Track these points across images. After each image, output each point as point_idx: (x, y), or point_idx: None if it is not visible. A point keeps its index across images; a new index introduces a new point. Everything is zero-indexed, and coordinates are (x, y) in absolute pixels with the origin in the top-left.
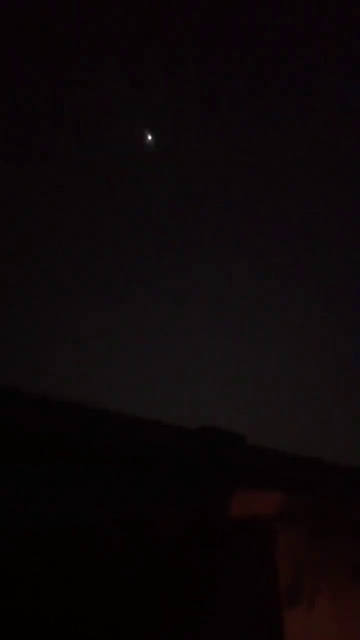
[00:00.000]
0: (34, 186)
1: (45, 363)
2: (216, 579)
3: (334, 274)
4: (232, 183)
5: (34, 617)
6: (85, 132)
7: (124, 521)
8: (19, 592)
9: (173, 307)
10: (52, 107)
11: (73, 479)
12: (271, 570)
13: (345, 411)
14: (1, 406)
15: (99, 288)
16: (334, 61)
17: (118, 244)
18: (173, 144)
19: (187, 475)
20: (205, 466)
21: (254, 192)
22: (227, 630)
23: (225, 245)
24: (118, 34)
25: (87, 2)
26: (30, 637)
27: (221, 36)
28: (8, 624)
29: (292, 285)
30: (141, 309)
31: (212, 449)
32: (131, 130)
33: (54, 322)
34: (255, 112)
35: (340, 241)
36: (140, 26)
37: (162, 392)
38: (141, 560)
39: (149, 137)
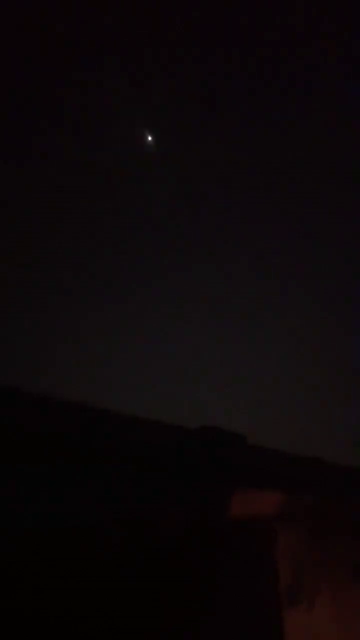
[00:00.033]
0: (34, 186)
1: (45, 363)
2: (216, 579)
3: (334, 274)
4: (232, 183)
5: (34, 617)
6: (86, 132)
7: (124, 521)
8: (19, 592)
9: (173, 307)
10: (52, 107)
11: (73, 479)
12: (271, 570)
13: (345, 411)
14: (1, 406)
15: (99, 288)
16: (334, 61)
17: (118, 244)
18: (173, 144)
19: (187, 475)
20: (205, 466)
21: (254, 192)
22: (227, 630)
23: (225, 245)
24: (118, 34)
25: (87, 2)
26: (31, 637)
27: (221, 36)
28: (8, 624)
29: (292, 285)
30: (141, 309)
31: (212, 449)
32: (131, 130)
33: (54, 322)
34: (255, 112)
35: (340, 241)
36: (140, 26)
37: (162, 392)
38: (141, 560)
39: (149, 137)
